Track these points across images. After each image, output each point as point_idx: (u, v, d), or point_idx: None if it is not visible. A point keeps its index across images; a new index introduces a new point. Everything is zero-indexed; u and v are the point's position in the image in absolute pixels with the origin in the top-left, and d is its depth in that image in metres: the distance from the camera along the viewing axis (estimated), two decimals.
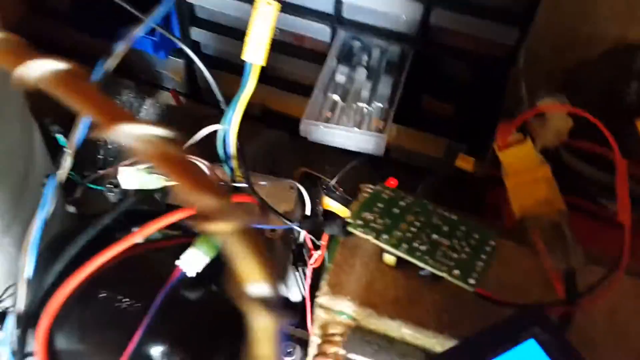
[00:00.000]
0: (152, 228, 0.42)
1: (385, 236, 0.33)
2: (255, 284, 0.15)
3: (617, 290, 0.36)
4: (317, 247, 0.44)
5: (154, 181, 0.44)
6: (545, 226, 0.36)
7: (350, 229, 0.34)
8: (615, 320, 0.35)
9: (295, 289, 0.56)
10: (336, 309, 0.35)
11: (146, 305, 0.39)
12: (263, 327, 0.16)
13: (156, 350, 0.40)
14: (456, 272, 0.32)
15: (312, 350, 0.38)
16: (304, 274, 0.52)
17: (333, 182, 0.58)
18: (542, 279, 0.36)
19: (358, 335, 0.35)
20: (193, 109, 0.75)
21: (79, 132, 0.41)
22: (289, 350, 0.55)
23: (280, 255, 0.52)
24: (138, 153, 0.15)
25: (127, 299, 0.41)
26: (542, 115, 0.47)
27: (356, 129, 0.57)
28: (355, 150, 0.59)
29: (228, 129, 0.46)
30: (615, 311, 0.35)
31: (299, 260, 0.55)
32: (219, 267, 0.44)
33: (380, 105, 0.59)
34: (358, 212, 0.35)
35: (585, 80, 0.51)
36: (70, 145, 0.42)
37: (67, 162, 0.42)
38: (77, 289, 0.40)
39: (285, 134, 0.69)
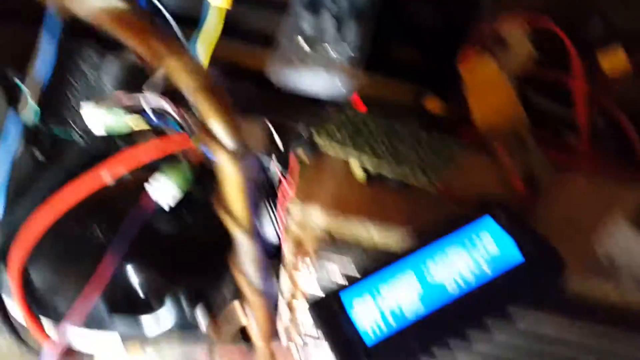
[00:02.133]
0: (121, 165, 0.42)
1: (350, 146, 0.34)
2: (223, 134, 0.16)
3: (576, 188, 0.38)
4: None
5: (120, 124, 0.44)
6: (507, 136, 0.37)
7: (317, 142, 0.35)
8: (573, 215, 0.36)
9: (270, 229, 0.57)
10: (306, 219, 0.36)
11: (118, 234, 0.40)
12: (231, 174, 0.17)
13: (128, 269, 0.41)
14: (420, 174, 0.33)
15: (287, 266, 0.39)
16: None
17: (305, 132, 0.59)
18: (503, 185, 0.37)
19: (330, 242, 0.36)
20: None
21: (36, 72, 0.41)
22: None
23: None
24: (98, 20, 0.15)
25: (100, 230, 0.41)
26: (504, 42, 0.48)
27: (325, 75, 0.57)
28: (324, 97, 0.59)
29: None
30: (573, 208, 0.37)
31: (272, 195, 0.56)
32: (190, 199, 0.45)
33: (348, 51, 0.59)
34: (325, 127, 0.36)
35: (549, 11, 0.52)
36: (28, 85, 0.42)
37: (28, 102, 0.41)
38: (50, 224, 0.41)
39: (254, 87, 0.69)
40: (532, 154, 0.35)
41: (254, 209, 0.18)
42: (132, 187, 0.45)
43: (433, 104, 0.49)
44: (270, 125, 0.52)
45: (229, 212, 0.18)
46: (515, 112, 0.36)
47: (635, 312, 0.34)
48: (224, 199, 0.18)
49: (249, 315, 0.24)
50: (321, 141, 0.35)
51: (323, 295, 0.29)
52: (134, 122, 0.45)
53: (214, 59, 0.69)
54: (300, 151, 0.37)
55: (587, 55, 0.47)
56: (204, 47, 0.46)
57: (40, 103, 0.48)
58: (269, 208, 0.55)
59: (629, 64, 0.46)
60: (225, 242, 0.47)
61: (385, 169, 0.33)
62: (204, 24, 0.45)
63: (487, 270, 0.29)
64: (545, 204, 0.36)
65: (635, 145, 0.51)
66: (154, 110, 0.51)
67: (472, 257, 0.29)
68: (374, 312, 0.28)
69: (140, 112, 0.49)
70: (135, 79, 0.72)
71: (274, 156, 0.44)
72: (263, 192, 0.55)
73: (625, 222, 0.30)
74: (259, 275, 0.21)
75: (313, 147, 0.36)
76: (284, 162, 0.48)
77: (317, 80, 0.57)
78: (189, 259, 0.44)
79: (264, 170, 0.53)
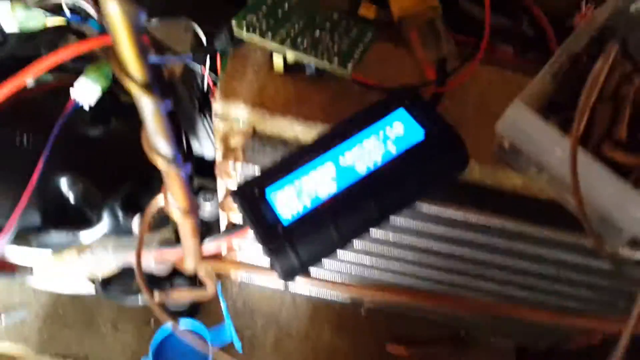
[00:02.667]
0: (40, 66, 0.41)
1: (269, 35, 0.35)
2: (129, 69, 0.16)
3: (485, 78, 0.40)
4: None
5: (35, 19, 0.43)
6: (420, 23, 0.38)
7: (236, 29, 0.35)
8: (483, 105, 0.39)
9: (207, 143, 0.58)
10: (232, 116, 0.37)
11: (45, 138, 0.40)
12: (113, 13, 0.17)
13: (62, 182, 0.41)
14: (335, 60, 0.34)
15: (219, 171, 0.40)
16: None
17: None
18: (417, 72, 0.39)
19: (256, 140, 0.38)
20: None
21: None
22: (207, 197, 0.58)
23: (184, 99, 0.52)
24: None
25: (25, 135, 0.41)
26: None
27: None
28: None
29: None
30: (483, 95, 0.39)
31: (206, 107, 0.56)
32: (117, 104, 0.45)
33: None
34: (244, 14, 0.36)
35: None
36: None
37: None
38: None
39: None
40: (444, 42, 0.37)
41: (147, 62, 0.19)
42: (57, 91, 0.44)
43: (367, 10, 0.49)
44: (196, 26, 0.51)
45: (123, 69, 0.19)
46: (429, 1, 0.37)
47: (535, 197, 0.38)
48: (115, 54, 0.18)
49: (166, 193, 0.25)
50: (240, 33, 0.35)
51: (244, 183, 0.31)
52: (49, 20, 0.44)
53: None
54: (222, 43, 0.37)
55: None
56: None
57: None
58: (205, 120, 0.56)
59: None
60: None
61: (303, 57, 0.34)
62: None
63: (392, 150, 0.31)
64: (457, 91, 0.38)
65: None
66: (73, 10, 0.49)
67: (381, 141, 0.31)
68: (292, 197, 0.30)
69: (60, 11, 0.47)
70: None
71: (195, 55, 0.44)
72: (195, 101, 0.55)
73: (521, 104, 0.32)
74: (166, 142, 0.22)
75: (234, 40, 0.36)
76: (204, 50, 0.47)
77: None
78: (121, 165, 0.45)
79: (195, 77, 0.53)
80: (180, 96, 0.53)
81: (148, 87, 0.19)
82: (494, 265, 0.45)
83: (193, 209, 0.26)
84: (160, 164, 0.22)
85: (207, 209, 0.58)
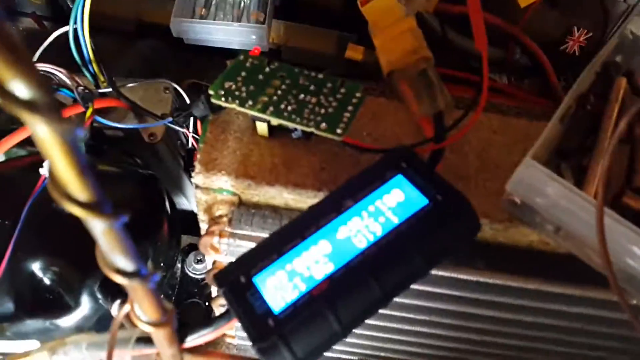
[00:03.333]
0: (8, 143, 0.38)
1: (250, 102, 0.32)
2: (18, 86, 0.13)
3: (487, 127, 0.37)
4: None
5: None
6: (412, 75, 0.35)
7: (213, 100, 0.32)
8: (486, 155, 0.36)
9: (193, 197, 0.55)
10: (214, 187, 0.34)
11: (15, 218, 0.37)
12: (42, 135, 0.14)
13: (35, 266, 0.38)
14: (323, 125, 0.31)
15: (204, 246, 0.37)
16: None
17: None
18: (413, 129, 0.36)
19: (243, 210, 0.34)
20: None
21: None
22: (198, 258, 0.54)
23: (167, 161, 0.50)
24: None
25: None
26: None
27: (234, 23, 0.54)
28: (237, 47, 0.56)
29: (80, 27, 0.42)
30: (485, 147, 0.36)
31: (191, 166, 0.53)
32: (96, 171, 0.41)
33: None
34: (220, 82, 0.33)
35: None
36: None
37: None
38: None
39: (164, 44, 0.65)
40: (439, 93, 0.34)
41: (91, 176, 0.16)
42: (28, 166, 0.42)
43: (354, 52, 0.46)
44: (176, 86, 0.48)
45: (62, 192, 0.15)
46: (419, 49, 0.35)
47: (553, 253, 0.35)
48: (54, 180, 0.15)
49: (133, 306, 0.22)
50: (218, 99, 0.32)
51: (229, 267, 0.28)
52: None
53: (116, 17, 0.64)
54: (200, 110, 0.34)
55: None
56: None
57: None
58: (190, 177, 0.53)
59: None
60: (138, 215, 0.44)
61: (288, 123, 0.31)
62: None
63: (393, 221, 0.28)
64: (457, 144, 0.35)
65: (551, 79, 0.51)
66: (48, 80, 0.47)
67: (380, 213, 0.28)
68: (283, 283, 0.27)
69: None
70: (31, 45, 0.66)
71: (174, 118, 0.41)
72: (180, 159, 0.52)
73: (532, 163, 0.29)
74: (125, 258, 0.18)
75: (213, 106, 0.34)
76: (182, 114, 0.45)
77: (224, 31, 0.54)
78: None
79: (178, 135, 0.50)
80: (162, 157, 0.50)
81: (96, 207, 0.15)
82: (513, 323, 0.41)
83: (167, 318, 0.22)
84: (122, 281, 0.18)
85: (198, 269, 0.55)
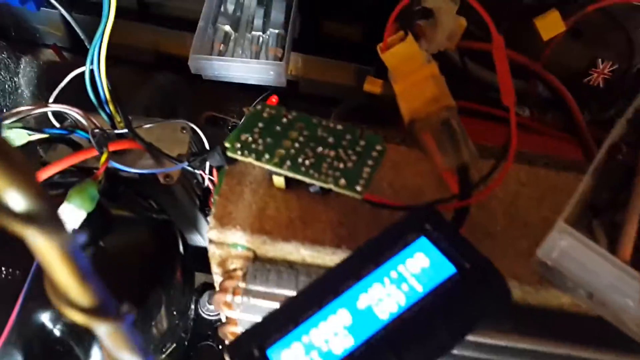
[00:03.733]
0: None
1: (266, 156, 0.31)
2: (12, 197, 0.12)
3: (514, 179, 0.35)
4: None
5: (17, 137, 0.40)
6: (434, 125, 0.34)
7: (229, 153, 0.31)
8: (514, 210, 0.34)
9: None
10: (229, 242, 0.33)
11: (26, 271, 0.36)
12: (41, 247, 0.13)
13: (45, 317, 0.37)
14: (342, 181, 0.30)
15: (217, 303, 0.36)
16: None
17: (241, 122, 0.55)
18: (436, 180, 0.34)
19: (258, 265, 0.33)
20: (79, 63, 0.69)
21: None
22: (211, 296, 0.53)
23: (183, 202, 0.49)
24: None
25: (5, 268, 0.37)
26: (433, 17, 0.44)
27: (252, 60, 0.53)
28: (255, 83, 0.55)
29: (96, 68, 0.42)
30: (513, 201, 0.34)
31: (207, 205, 0.52)
32: (104, 222, 0.41)
33: (275, 32, 0.55)
34: (237, 135, 0.32)
35: None
36: None
37: None
38: None
39: (182, 77, 0.65)
40: (462, 145, 0.32)
41: (93, 280, 0.15)
42: None
43: (372, 85, 0.45)
44: (193, 126, 0.47)
45: (63, 299, 0.14)
46: (441, 97, 0.33)
47: (588, 317, 0.33)
48: (53, 286, 0.14)
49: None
50: (234, 153, 0.31)
51: (241, 338, 0.26)
52: (33, 137, 0.41)
53: (136, 48, 0.64)
54: (215, 161, 0.33)
55: (524, 22, 0.45)
56: (105, 35, 0.41)
57: None
58: (206, 217, 0.52)
59: (564, 25, 0.43)
60: (152, 262, 0.43)
61: (305, 178, 0.30)
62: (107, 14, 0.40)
63: (418, 289, 0.26)
64: (484, 201, 0.33)
65: (575, 115, 0.49)
66: (63, 119, 0.47)
67: (403, 279, 0.27)
68: (299, 354, 0.25)
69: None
70: (52, 77, 0.66)
71: (191, 162, 0.40)
72: (196, 199, 0.51)
73: (564, 227, 0.27)
74: (131, 354, 0.17)
75: (226, 157, 0.33)
76: (199, 159, 0.44)
77: (242, 68, 0.53)
78: (112, 290, 0.40)
79: (194, 175, 0.49)
80: (178, 198, 0.49)
81: (100, 311, 0.14)
82: None
83: None
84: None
85: (212, 310, 0.54)
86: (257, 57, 0.54)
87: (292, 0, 0.55)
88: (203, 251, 0.59)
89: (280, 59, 0.53)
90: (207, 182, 0.48)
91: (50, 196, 0.13)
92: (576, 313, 0.33)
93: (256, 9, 0.56)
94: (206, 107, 0.65)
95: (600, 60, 0.49)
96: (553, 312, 0.33)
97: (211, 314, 0.54)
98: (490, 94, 0.52)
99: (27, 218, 0.12)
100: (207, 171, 0.45)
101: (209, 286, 0.56)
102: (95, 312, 0.15)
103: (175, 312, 0.43)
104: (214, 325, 0.53)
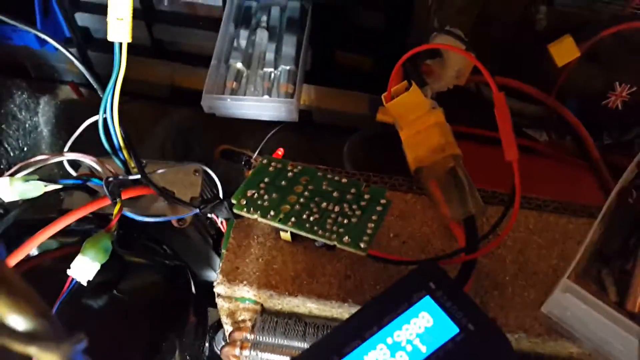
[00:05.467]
0: (42, 237, 0.38)
1: (272, 213, 0.31)
2: (17, 321, 0.12)
3: (523, 226, 0.35)
4: None
5: (34, 189, 0.41)
6: (440, 174, 0.34)
7: (235, 210, 0.32)
8: (523, 258, 0.34)
9: None
10: (237, 296, 0.33)
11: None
12: None
13: None
14: (346, 238, 0.30)
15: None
16: None
17: (254, 155, 0.55)
18: (443, 229, 0.34)
19: (266, 317, 0.34)
20: (96, 100, 0.71)
21: None
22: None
23: (197, 243, 0.49)
24: None
25: None
26: (440, 57, 0.45)
27: (265, 97, 0.54)
28: (268, 119, 0.56)
29: (109, 117, 0.43)
30: (522, 249, 0.34)
31: (219, 244, 0.53)
32: (118, 270, 0.42)
33: (287, 67, 0.56)
34: (243, 191, 0.32)
35: (496, 11, 0.49)
36: None
37: None
38: None
39: (196, 112, 0.66)
40: (468, 194, 0.32)
41: None
42: (60, 259, 0.42)
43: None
44: (206, 168, 0.48)
45: None
46: (446, 146, 0.33)
47: None
48: None
49: None
50: (240, 210, 0.31)
51: None
52: (49, 187, 0.42)
53: (151, 84, 0.66)
54: (223, 214, 0.34)
55: (538, 48, 0.45)
56: (117, 84, 0.42)
57: None
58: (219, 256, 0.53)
59: (578, 51, 0.43)
60: (165, 307, 0.44)
61: (310, 234, 0.30)
62: (118, 64, 0.42)
63: (422, 348, 0.26)
64: (492, 251, 0.33)
65: (587, 144, 0.49)
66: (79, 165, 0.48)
67: (407, 338, 0.27)
68: None
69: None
70: (70, 116, 0.68)
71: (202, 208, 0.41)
72: (209, 239, 0.52)
73: (569, 286, 0.27)
74: None
75: (233, 212, 0.33)
76: (210, 207, 0.45)
77: (254, 106, 0.54)
78: (128, 335, 0.41)
79: (208, 219, 0.50)
80: (191, 239, 0.50)
81: None
82: None
83: None
84: None
85: None
86: (269, 93, 0.55)
87: (302, 35, 0.56)
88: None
89: (292, 95, 0.54)
90: (219, 223, 0.49)
91: (51, 315, 0.14)
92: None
93: (267, 45, 0.56)
94: (221, 141, 0.66)
95: (617, 83, 0.49)
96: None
97: None
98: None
99: (29, 338, 0.12)
100: (219, 219, 0.46)
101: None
102: None
103: (189, 357, 0.44)
104: None
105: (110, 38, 0.40)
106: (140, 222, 0.44)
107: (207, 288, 0.51)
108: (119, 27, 0.40)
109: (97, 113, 0.44)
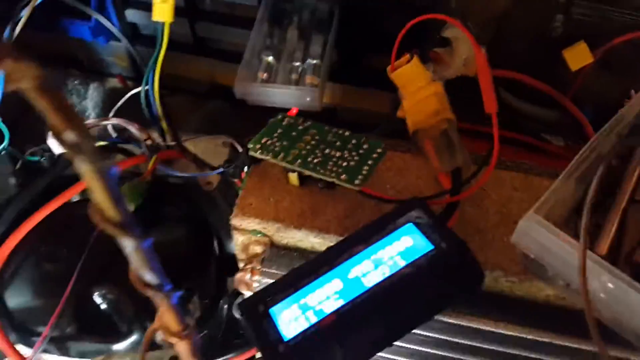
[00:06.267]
0: (82, 185, 0.44)
1: (282, 155, 0.36)
2: (65, 132, 0.17)
3: (508, 184, 0.39)
4: None
5: None
6: (434, 134, 0.38)
7: (251, 152, 0.37)
8: (506, 210, 0.38)
9: None
10: (249, 228, 0.38)
11: (81, 251, 0.42)
12: (85, 170, 0.18)
13: (95, 293, 0.43)
14: (344, 176, 0.35)
15: (239, 282, 0.41)
16: None
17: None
18: (434, 183, 0.39)
19: (274, 250, 0.38)
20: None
21: None
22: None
23: (221, 208, 0.54)
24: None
25: (65, 250, 0.44)
26: (450, 45, 0.49)
27: (291, 86, 0.59)
28: (293, 107, 0.61)
29: (150, 88, 0.49)
30: (505, 203, 0.38)
31: None
32: (150, 221, 0.47)
33: (313, 62, 0.61)
34: (259, 138, 0.38)
35: (514, 16, 0.52)
36: None
37: None
38: (20, 245, 0.43)
39: (229, 104, 0.72)
40: (459, 152, 0.37)
41: (122, 204, 0.20)
42: None
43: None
44: (232, 141, 0.54)
45: (100, 215, 0.20)
46: (442, 111, 0.38)
47: (570, 309, 0.36)
48: (94, 204, 0.20)
49: (160, 319, 0.26)
50: (255, 152, 0.37)
51: (250, 298, 0.31)
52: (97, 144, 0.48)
53: (191, 79, 0.72)
54: (242, 161, 0.39)
55: (555, 54, 0.49)
56: (159, 60, 0.48)
57: (17, 130, 0.52)
58: None
59: (593, 56, 0.46)
60: (190, 254, 0.49)
61: (313, 172, 0.35)
62: (161, 42, 0.48)
63: (400, 265, 0.30)
64: (478, 198, 0.37)
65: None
66: (122, 132, 0.54)
67: (389, 257, 0.31)
68: (296, 314, 0.30)
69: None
70: (115, 101, 0.75)
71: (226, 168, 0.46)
72: (232, 208, 0.57)
73: (534, 216, 0.31)
74: (151, 273, 0.23)
75: (249, 157, 0.38)
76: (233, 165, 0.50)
77: (282, 93, 0.59)
78: None
79: (231, 185, 0.55)
80: (217, 204, 0.55)
81: (125, 228, 0.20)
82: None
83: (187, 333, 0.26)
84: (148, 293, 0.23)
85: None
86: (296, 84, 0.60)
87: (329, 34, 0.62)
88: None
89: (316, 86, 0.59)
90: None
91: (92, 137, 0.19)
92: (562, 306, 0.36)
93: (297, 42, 0.62)
94: (249, 132, 0.71)
95: (633, 91, 0.50)
96: (540, 304, 0.36)
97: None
98: (522, 122, 0.55)
99: (76, 148, 0.18)
100: (241, 180, 0.51)
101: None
102: (122, 227, 0.20)
103: (207, 302, 0.49)
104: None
105: (154, 18, 0.46)
106: (173, 182, 0.50)
107: (229, 258, 0.56)
108: (163, 9, 0.47)
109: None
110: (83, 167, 0.18)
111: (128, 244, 0.21)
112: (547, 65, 0.52)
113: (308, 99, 0.59)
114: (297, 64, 0.61)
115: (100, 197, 0.19)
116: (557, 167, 0.42)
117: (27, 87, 0.16)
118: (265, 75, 0.61)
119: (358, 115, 0.69)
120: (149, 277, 0.23)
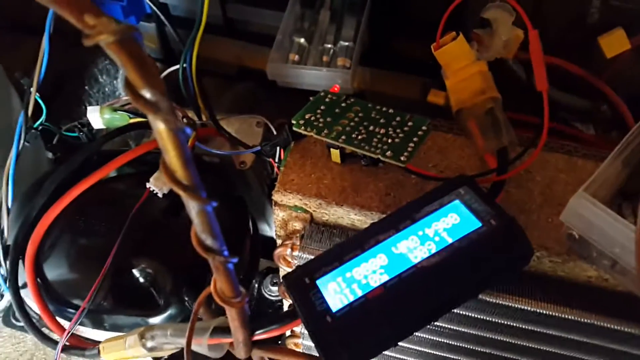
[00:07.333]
0: (119, 162, 0.45)
1: (325, 131, 0.36)
2: (143, 90, 0.17)
3: (553, 166, 0.38)
4: None
5: (120, 119, 0.47)
6: (479, 113, 0.38)
7: (294, 128, 0.37)
8: (550, 192, 0.37)
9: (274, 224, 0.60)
10: (290, 204, 0.38)
11: (121, 225, 0.43)
12: (161, 130, 0.19)
13: (134, 266, 0.43)
14: (389, 153, 0.34)
15: (278, 257, 0.41)
16: None
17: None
18: (478, 163, 0.38)
19: (314, 227, 0.38)
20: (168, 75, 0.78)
21: (39, 71, 0.45)
22: (274, 281, 0.58)
23: (255, 188, 0.55)
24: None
25: (104, 224, 0.44)
26: (490, 27, 0.49)
27: (323, 68, 0.59)
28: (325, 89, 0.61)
29: (188, 66, 0.49)
30: (550, 184, 0.38)
31: None
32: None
33: (345, 44, 0.61)
34: (302, 114, 0.38)
35: (549, 1, 0.52)
36: (32, 84, 0.45)
37: (31, 99, 0.45)
38: (58, 219, 0.44)
39: (260, 86, 0.72)
40: (504, 131, 0.36)
41: (192, 166, 0.20)
42: (136, 181, 0.48)
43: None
44: (266, 121, 0.54)
45: (171, 175, 0.20)
46: (487, 90, 0.37)
47: (611, 291, 0.35)
48: (164, 162, 0.20)
49: (215, 283, 0.26)
50: (298, 128, 0.37)
51: (296, 271, 0.31)
52: (132, 120, 0.49)
53: (220, 61, 0.72)
54: (283, 139, 0.39)
55: (590, 40, 0.48)
56: (198, 38, 0.48)
57: (52, 106, 0.52)
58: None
59: (629, 44, 0.45)
60: (226, 228, 0.49)
61: (358, 149, 0.35)
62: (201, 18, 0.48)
63: (448, 241, 0.30)
64: (523, 179, 0.37)
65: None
66: None
67: (436, 234, 0.31)
68: (343, 287, 0.30)
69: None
70: None
71: (262, 147, 0.46)
72: (265, 187, 0.57)
73: (584, 195, 0.30)
74: (211, 237, 0.23)
75: (295, 134, 0.38)
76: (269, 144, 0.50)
77: (313, 75, 0.59)
78: (191, 253, 0.46)
79: (265, 166, 0.56)
80: (250, 184, 0.55)
81: (193, 190, 0.20)
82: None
83: (240, 300, 0.26)
84: (207, 256, 0.23)
85: (274, 291, 0.59)
86: (327, 66, 0.60)
87: (361, 17, 0.61)
88: (268, 240, 0.65)
89: (348, 69, 0.59)
90: (275, 172, 0.54)
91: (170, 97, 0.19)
92: (604, 287, 0.35)
93: (329, 25, 0.62)
94: (280, 115, 0.71)
95: None
96: (581, 285, 0.35)
97: (272, 294, 0.59)
98: (553, 109, 0.55)
99: (155, 107, 0.18)
100: (276, 160, 0.51)
101: (271, 270, 0.61)
102: (191, 189, 0.20)
103: (241, 277, 0.49)
104: (275, 305, 0.59)
105: None
106: (208, 162, 0.50)
107: (261, 239, 0.56)
108: None
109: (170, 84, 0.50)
110: (159, 125, 0.18)
111: (194, 206, 0.21)
112: (581, 52, 0.52)
113: (339, 81, 0.59)
114: (329, 46, 0.61)
115: (172, 157, 0.19)
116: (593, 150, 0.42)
117: (108, 41, 0.16)
118: (296, 57, 0.61)
119: (388, 100, 0.69)
120: (210, 241, 0.23)
